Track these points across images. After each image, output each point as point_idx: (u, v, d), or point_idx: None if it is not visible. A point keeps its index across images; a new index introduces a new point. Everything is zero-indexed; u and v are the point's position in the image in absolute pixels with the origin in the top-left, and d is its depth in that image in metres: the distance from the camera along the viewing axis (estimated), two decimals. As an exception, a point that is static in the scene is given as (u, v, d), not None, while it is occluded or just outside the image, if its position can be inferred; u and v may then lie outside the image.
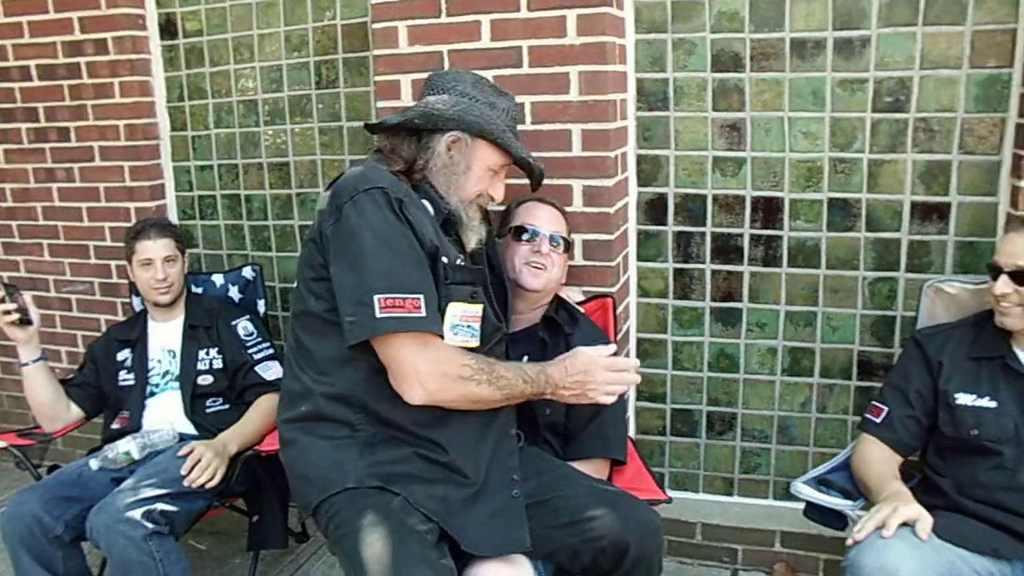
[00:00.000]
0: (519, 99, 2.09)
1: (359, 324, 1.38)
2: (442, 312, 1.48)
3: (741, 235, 2.28)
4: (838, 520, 1.74)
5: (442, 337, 1.45)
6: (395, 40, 2.19)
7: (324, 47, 2.60)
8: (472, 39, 2.11)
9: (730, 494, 2.46)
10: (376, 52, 2.23)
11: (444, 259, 1.49)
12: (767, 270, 2.28)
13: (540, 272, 1.85)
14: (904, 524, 1.50)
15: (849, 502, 1.73)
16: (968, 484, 1.69)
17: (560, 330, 1.87)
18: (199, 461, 2.00)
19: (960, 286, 1.92)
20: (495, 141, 1.60)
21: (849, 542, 1.51)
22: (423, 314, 1.39)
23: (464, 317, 1.52)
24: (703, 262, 2.33)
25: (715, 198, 2.28)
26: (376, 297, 1.37)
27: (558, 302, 1.94)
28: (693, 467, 2.48)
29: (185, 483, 1.96)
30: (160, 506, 1.89)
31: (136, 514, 1.84)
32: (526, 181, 1.78)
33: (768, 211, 2.24)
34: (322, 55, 2.61)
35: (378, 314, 1.36)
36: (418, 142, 1.58)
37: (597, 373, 1.50)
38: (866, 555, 1.47)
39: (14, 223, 3.05)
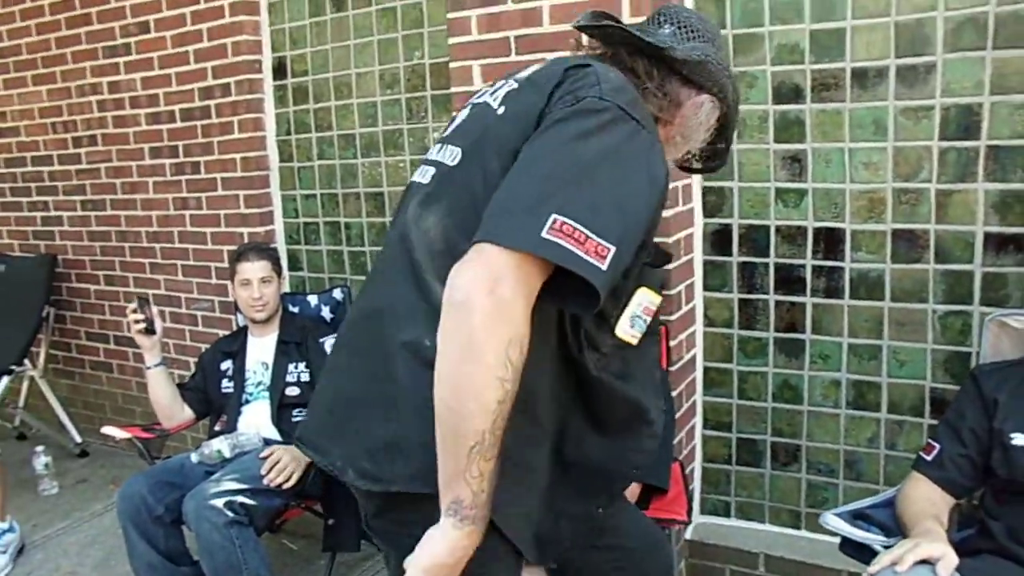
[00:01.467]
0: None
1: (509, 226, 0.94)
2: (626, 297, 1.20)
3: (803, 266, 2.26)
4: (869, 555, 1.69)
5: (593, 307, 0.97)
6: (470, 78, 2.35)
7: (414, 85, 2.82)
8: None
9: (797, 527, 2.41)
10: (454, 89, 2.40)
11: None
12: (829, 301, 2.25)
13: None
14: (925, 562, 1.46)
15: (881, 537, 1.68)
16: (1020, 530, 1.61)
17: None
18: (278, 463, 2.22)
19: (1024, 321, 1.83)
20: (726, 130, 1.33)
21: (864, 575, 1.48)
22: (603, 267, 0.93)
23: (646, 308, 1.24)
24: (767, 293, 2.33)
25: (778, 229, 2.28)
26: (553, 217, 0.92)
27: None
28: (758, 497, 2.46)
29: (264, 482, 2.19)
30: (240, 499, 2.12)
31: (219, 503, 2.08)
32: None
33: (829, 242, 2.22)
34: (412, 92, 2.83)
35: (545, 232, 0.92)
36: (660, 80, 1.22)
37: None
38: None
39: (158, 246, 3.46)
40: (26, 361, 3.65)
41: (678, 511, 1.83)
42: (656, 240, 1.60)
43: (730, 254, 2.36)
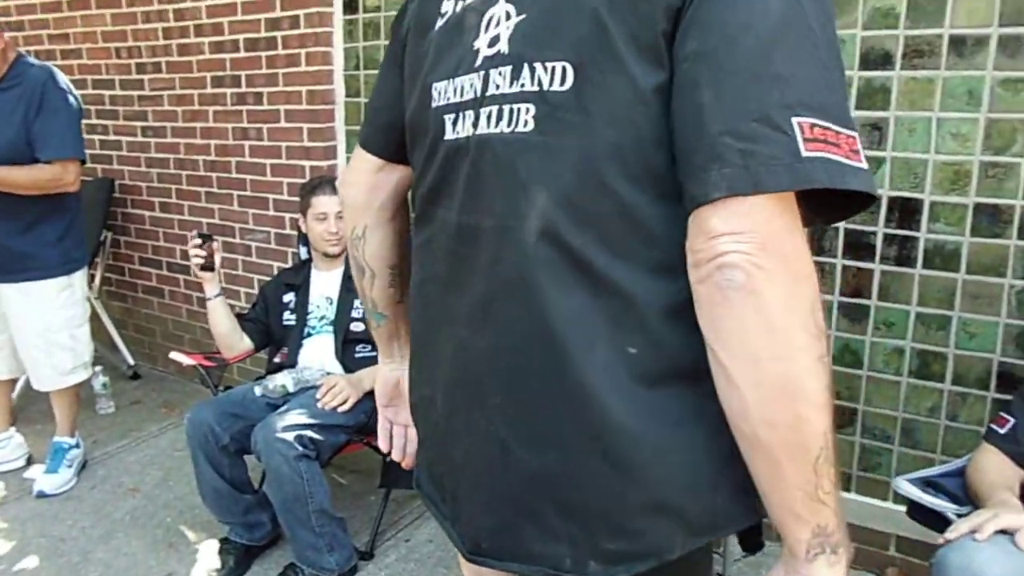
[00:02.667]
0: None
1: (756, 160, 0.68)
2: None
3: (875, 233, 2.25)
4: (941, 523, 1.72)
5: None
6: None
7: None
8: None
9: (848, 490, 2.44)
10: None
11: None
12: (900, 269, 2.24)
13: None
14: (1004, 532, 1.48)
15: (953, 505, 1.71)
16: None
17: None
18: (334, 387, 2.28)
19: (1108, 301, 1.82)
20: None
21: (940, 540, 1.51)
22: (864, 164, 0.72)
23: None
24: (835, 257, 2.32)
25: (853, 194, 2.26)
26: (798, 121, 0.69)
27: None
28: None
29: (319, 405, 2.25)
30: (309, 433, 2.17)
31: (289, 436, 2.14)
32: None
33: (905, 212, 2.20)
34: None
35: (803, 150, 0.69)
36: None
37: None
38: (955, 555, 1.46)
39: (214, 175, 3.49)
40: (82, 282, 3.72)
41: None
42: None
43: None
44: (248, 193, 3.39)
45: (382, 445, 1.31)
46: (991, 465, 1.74)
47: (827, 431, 0.72)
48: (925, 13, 2.09)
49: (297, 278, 2.67)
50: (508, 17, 0.83)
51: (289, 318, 2.63)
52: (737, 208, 0.68)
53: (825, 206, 0.74)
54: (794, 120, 0.69)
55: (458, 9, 0.90)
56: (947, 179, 2.14)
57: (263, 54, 3.19)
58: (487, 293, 0.85)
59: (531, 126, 0.79)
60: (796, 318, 0.69)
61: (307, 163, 3.15)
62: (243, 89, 3.29)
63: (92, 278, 3.82)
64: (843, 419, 2.41)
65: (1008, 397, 2.14)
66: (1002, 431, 1.76)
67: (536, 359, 0.80)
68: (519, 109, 0.80)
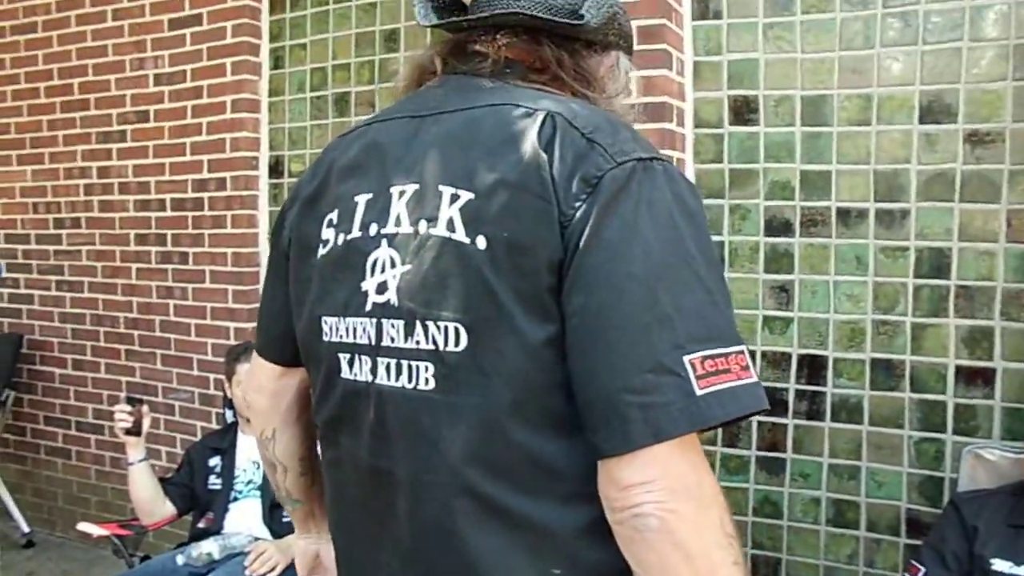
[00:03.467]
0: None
1: (653, 412, 0.73)
2: None
3: (787, 389, 2.40)
4: None
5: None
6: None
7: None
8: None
9: (778, 642, 2.47)
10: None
11: None
12: (811, 423, 2.37)
13: None
14: None
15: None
16: (1001, 653, 1.71)
17: None
18: (263, 553, 2.21)
19: (1000, 454, 1.98)
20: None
21: None
22: (752, 378, 0.77)
23: None
24: (751, 411, 2.44)
25: (763, 354, 2.42)
26: (688, 360, 0.73)
27: None
28: (740, 613, 2.51)
29: (247, 573, 2.17)
30: None
31: None
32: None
33: (813, 368, 2.36)
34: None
35: (697, 389, 0.73)
36: (575, 62, 0.94)
37: None
38: None
39: (136, 333, 3.43)
40: (-22, 444, 3.53)
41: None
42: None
43: (717, 372, 2.48)
44: (172, 352, 3.33)
45: None
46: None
47: None
48: (815, 187, 2.33)
49: (223, 442, 2.61)
50: (393, 265, 0.84)
51: (215, 482, 2.55)
52: (643, 458, 0.73)
53: None
54: (686, 359, 0.73)
55: (339, 242, 0.90)
56: (846, 336, 2.32)
57: (190, 214, 3.24)
58: (412, 538, 0.87)
59: (432, 384, 0.82)
60: (710, 539, 0.74)
61: (232, 324, 3.15)
62: (168, 248, 3.30)
63: (-11, 439, 3.63)
64: (768, 570, 2.46)
65: (917, 542, 2.26)
66: (915, 581, 1.85)
67: None
68: (417, 367, 0.82)
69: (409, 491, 0.86)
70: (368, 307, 0.86)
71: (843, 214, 2.30)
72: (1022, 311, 2.13)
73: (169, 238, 3.30)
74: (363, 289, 0.87)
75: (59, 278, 3.63)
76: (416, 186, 0.84)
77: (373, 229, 0.87)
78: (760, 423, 2.43)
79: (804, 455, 2.39)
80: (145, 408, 2.46)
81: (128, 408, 2.42)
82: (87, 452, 3.63)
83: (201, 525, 2.52)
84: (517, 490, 0.81)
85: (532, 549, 0.81)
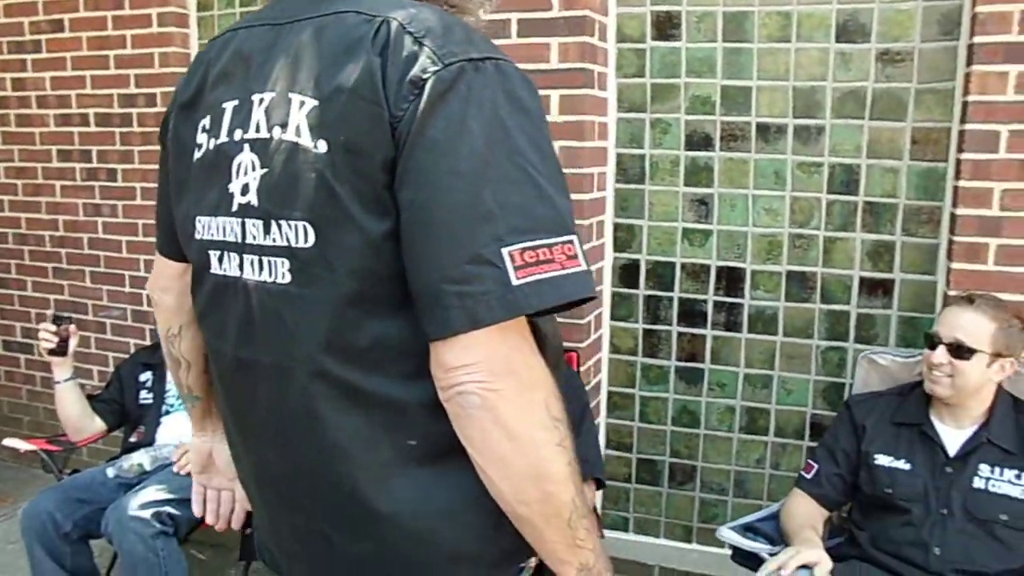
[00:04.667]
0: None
1: (471, 302, 0.78)
2: None
3: (706, 301, 2.48)
4: (758, 564, 1.90)
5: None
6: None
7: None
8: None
9: (689, 541, 2.62)
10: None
11: None
12: (728, 335, 2.48)
13: None
14: (805, 567, 1.67)
15: (767, 546, 1.89)
16: (880, 538, 1.86)
17: None
18: (188, 451, 2.26)
19: (891, 358, 2.10)
20: None
21: None
22: (581, 266, 0.82)
23: None
24: (670, 324, 2.54)
25: (683, 266, 2.49)
26: (507, 251, 0.78)
27: None
28: (655, 513, 2.65)
29: (175, 468, 2.24)
30: (168, 509, 2.14)
31: (146, 514, 2.10)
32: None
33: (731, 280, 2.45)
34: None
35: (514, 279, 0.78)
36: None
37: None
38: None
39: (63, 251, 3.37)
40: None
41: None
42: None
43: (637, 287, 2.56)
44: (102, 269, 3.29)
45: (195, 510, 1.34)
46: (799, 508, 1.96)
47: (574, 497, 0.84)
48: (736, 102, 2.37)
49: (154, 357, 2.62)
50: (253, 168, 0.90)
51: (146, 397, 2.57)
52: (464, 343, 0.78)
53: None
54: (504, 251, 0.77)
55: (211, 147, 0.96)
56: (764, 249, 2.40)
57: (117, 130, 3.16)
58: (277, 422, 0.94)
59: (288, 278, 0.88)
60: (532, 420, 0.81)
61: (163, 239, 3.11)
62: (94, 164, 3.23)
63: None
64: (684, 476, 2.60)
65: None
66: (808, 476, 1.99)
67: (331, 475, 0.91)
68: (275, 262, 0.89)
69: (272, 379, 0.92)
70: (234, 207, 0.92)
71: (762, 129, 2.36)
72: (920, 227, 2.23)
73: (95, 154, 3.22)
74: (230, 191, 0.93)
75: (-21, 196, 3.53)
76: (272, 94, 0.89)
77: (238, 135, 0.92)
78: (680, 334, 2.53)
79: (721, 365, 2.50)
80: (73, 327, 2.44)
81: (52, 328, 2.39)
82: (17, 372, 3.60)
83: (133, 439, 2.56)
84: (368, 371, 0.87)
85: (387, 425, 0.88)
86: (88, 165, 3.24)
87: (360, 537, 0.92)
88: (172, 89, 2.97)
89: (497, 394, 0.79)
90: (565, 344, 2.35)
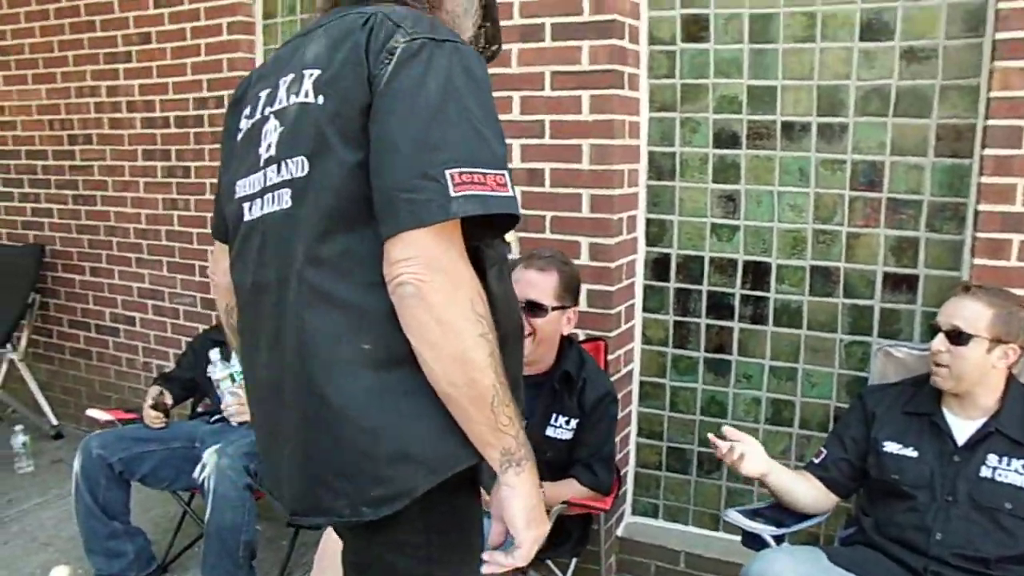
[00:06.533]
0: (541, 166, 2.49)
1: (416, 205, 0.98)
2: None
3: (733, 295, 2.55)
4: (763, 545, 1.98)
5: (511, 228, 1.10)
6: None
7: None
8: (504, 112, 2.51)
9: (716, 529, 2.68)
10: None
11: None
12: (755, 327, 2.53)
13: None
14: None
15: (770, 528, 1.96)
16: (885, 523, 1.90)
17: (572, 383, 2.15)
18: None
19: (907, 351, 2.13)
20: (490, 10, 1.35)
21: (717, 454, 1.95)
22: (510, 192, 1.03)
23: None
24: (699, 317, 2.61)
25: (711, 260, 2.57)
26: (448, 172, 0.99)
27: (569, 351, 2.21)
28: (684, 501, 2.73)
29: (226, 411, 2.50)
30: (254, 465, 2.34)
31: (240, 465, 2.33)
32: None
33: (757, 274, 2.51)
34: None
35: (452, 191, 0.99)
36: None
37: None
38: (757, 564, 1.77)
39: (144, 242, 3.68)
40: (8, 345, 3.85)
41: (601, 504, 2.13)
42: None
43: (668, 280, 2.64)
44: (177, 259, 3.58)
45: None
46: (804, 483, 2.02)
47: (494, 383, 1.02)
48: (761, 102, 2.43)
49: (222, 335, 2.85)
50: (275, 129, 1.15)
51: (213, 370, 2.81)
52: (407, 240, 0.99)
53: (488, 228, 1.06)
54: (447, 172, 0.99)
55: (248, 126, 1.23)
56: (788, 244, 2.46)
57: (191, 131, 3.43)
58: (276, 327, 1.14)
59: (289, 203, 1.11)
60: (458, 311, 1.00)
61: (230, 232, 3.35)
62: (172, 163, 3.51)
63: (18, 340, 3.94)
64: (711, 465, 2.66)
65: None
66: (817, 461, 2.05)
67: (302, 375, 1.09)
68: (281, 193, 1.12)
69: (275, 288, 1.13)
70: (261, 163, 1.17)
71: (787, 128, 2.41)
72: (944, 223, 2.25)
73: (173, 153, 3.50)
74: (259, 153, 1.18)
75: (75, 192, 3.87)
76: (293, 74, 1.15)
77: (267, 111, 1.19)
78: (708, 326, 2.60)
79: (748, 357, 2.57)
80: (170, 400, 2.73)
81: (154, 415, 2.65)
82: (106, 353, 3.94)
83: (200, 409, 2.80)
84: (337, 276, 1.07)
85: (350, 327, 1.07)
86: (167, 163, 3.53)
87: (320, 431, 1.08)
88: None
89: (428, 284, 0.99)
90: (592, 333, 2.47)
